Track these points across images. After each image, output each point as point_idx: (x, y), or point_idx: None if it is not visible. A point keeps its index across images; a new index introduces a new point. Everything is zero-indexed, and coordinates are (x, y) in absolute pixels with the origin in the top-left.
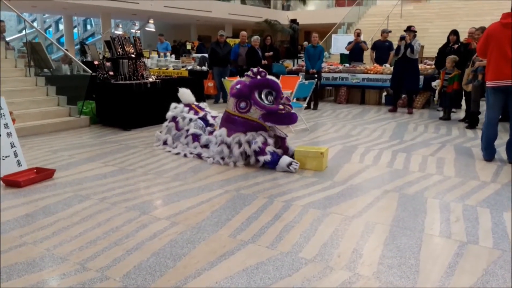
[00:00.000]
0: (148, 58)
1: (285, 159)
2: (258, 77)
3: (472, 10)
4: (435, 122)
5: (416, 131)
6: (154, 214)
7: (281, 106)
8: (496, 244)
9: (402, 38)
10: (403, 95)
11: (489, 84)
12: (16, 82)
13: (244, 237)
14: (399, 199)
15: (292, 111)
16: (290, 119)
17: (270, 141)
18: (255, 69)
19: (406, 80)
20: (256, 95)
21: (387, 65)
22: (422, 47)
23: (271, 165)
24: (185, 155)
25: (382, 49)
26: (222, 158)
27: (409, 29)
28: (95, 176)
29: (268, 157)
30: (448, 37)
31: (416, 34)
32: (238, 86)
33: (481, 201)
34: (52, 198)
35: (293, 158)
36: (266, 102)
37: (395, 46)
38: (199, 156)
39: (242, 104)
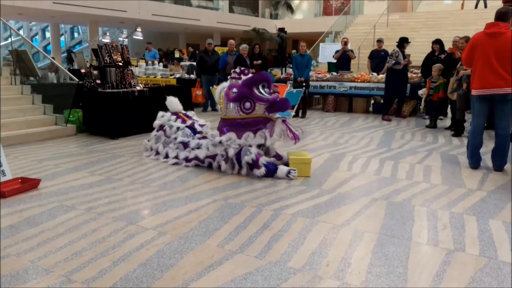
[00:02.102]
0: (136, 66)
1: (282, 169)
2: (243, 76)
3: (457, 20)
4: (422, 130)
5: (403, 139)
6: (141, 224)
7: (274, 95)
8: (482, 251)
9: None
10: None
11: (474, 92)
12: (1, 91)
13: (232, 247)
14: (387, 207)
15: (279, 96)
16: (285, 104)
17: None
18: (237, 70)
19: (400, 88)
20: (257, 91)
21: (374, 74)
22: (408, 55)
23: (268, 176)
24: (175, 163)
25: (378, 58)
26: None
27: (408, 41)
28: (81, 186)
29: (262, 171)
30: (432, 46)
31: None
32: (235, 90)
33: (467, 208)
34: (37, 209)
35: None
36: (265, 95)
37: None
38: (196, 158)
39: (247, 105)
